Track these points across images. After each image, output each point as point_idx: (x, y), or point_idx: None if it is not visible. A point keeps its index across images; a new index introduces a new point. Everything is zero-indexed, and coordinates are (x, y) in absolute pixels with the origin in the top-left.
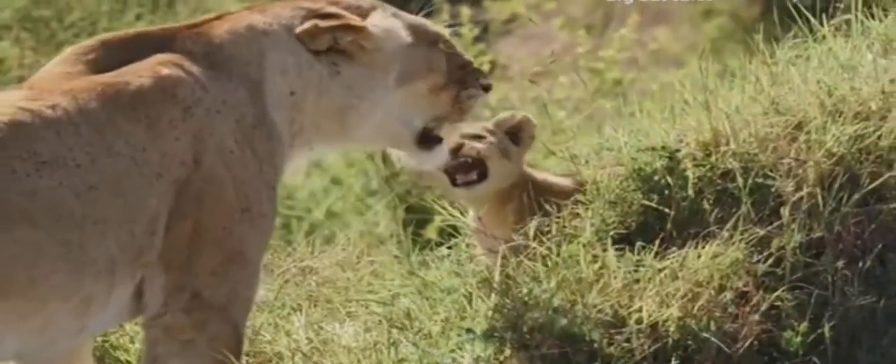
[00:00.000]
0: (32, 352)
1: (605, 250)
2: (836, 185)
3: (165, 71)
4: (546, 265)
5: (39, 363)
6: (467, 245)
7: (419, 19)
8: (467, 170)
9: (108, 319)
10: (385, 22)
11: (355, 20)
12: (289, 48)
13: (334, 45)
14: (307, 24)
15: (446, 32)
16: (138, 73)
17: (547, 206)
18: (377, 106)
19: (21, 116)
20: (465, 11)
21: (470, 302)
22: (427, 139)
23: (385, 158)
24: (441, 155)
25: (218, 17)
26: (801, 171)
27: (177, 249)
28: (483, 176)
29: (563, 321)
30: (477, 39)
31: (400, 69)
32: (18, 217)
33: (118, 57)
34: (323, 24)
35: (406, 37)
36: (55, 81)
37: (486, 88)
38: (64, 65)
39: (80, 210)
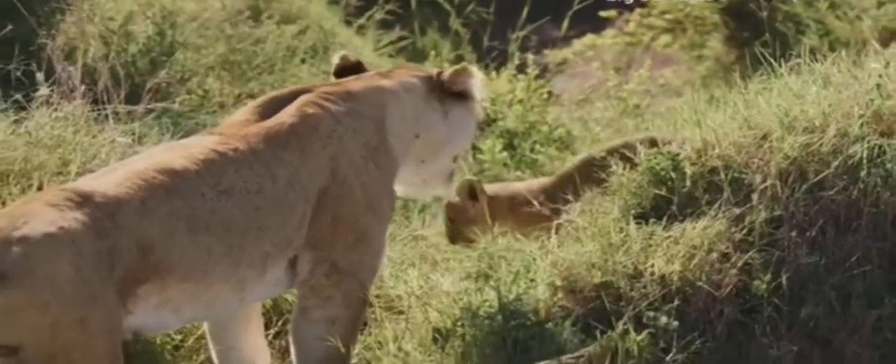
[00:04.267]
0: (205, 318)
1: (628, 224)
2: (791, 179)
3: (310, 110)
4: (586, 234)
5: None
6: None
7: None
8: None
9: (266, 291)
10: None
11: (478, 73)
12: (406, 101)
13: (466, 89)
14: (458, 66)
15: None
16: (290, 114)
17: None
18: (468, 140)
19: (212, 156)
20: (531, 57)
21: (534, 260)
22: (452, 175)
23: (474, 156)
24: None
25: (357, 79)
26: (766, 168)
27: (321, 234)
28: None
29: (599, 273)
30: (538, 76)
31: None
32: (201, 228)
33: (283, 106)
34: (470, 67)
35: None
36: (237, 127)
37: None
38: (246, 113)
39: (245, 223)
